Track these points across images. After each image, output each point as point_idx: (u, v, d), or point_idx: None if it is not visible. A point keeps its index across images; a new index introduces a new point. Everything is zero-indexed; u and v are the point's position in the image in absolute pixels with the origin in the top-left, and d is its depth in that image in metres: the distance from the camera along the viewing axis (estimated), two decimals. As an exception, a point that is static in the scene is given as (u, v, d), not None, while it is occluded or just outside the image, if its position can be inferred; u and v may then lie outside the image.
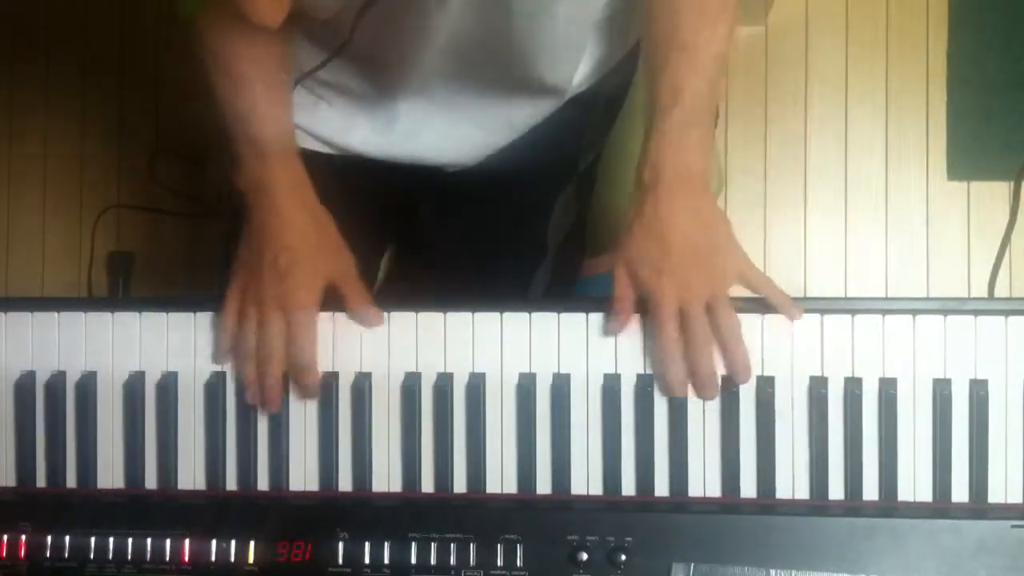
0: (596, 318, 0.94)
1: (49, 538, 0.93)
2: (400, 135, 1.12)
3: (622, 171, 1.37)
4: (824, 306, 0.93)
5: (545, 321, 0.94)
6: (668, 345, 0.90)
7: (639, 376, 0.93)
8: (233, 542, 0.91)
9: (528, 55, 1.01)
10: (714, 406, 0.92)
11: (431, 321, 0.95)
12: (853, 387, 0.91)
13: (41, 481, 0.98)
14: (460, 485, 0.94)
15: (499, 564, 0.89)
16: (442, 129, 1.12)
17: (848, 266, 1.91)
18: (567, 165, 1.19)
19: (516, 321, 0.94)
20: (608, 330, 0.93)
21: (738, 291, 0.93)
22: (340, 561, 0.90)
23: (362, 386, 0.95)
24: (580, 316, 0.94)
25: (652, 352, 0.92)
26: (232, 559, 0.91)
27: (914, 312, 0.91)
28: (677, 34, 0.95)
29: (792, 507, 0.91)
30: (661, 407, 0.93)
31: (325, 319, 0.96)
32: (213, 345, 0.97)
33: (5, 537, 0.93)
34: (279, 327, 0.94)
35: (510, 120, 1.12)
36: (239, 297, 0.96)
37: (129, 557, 0.92)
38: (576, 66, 1.06)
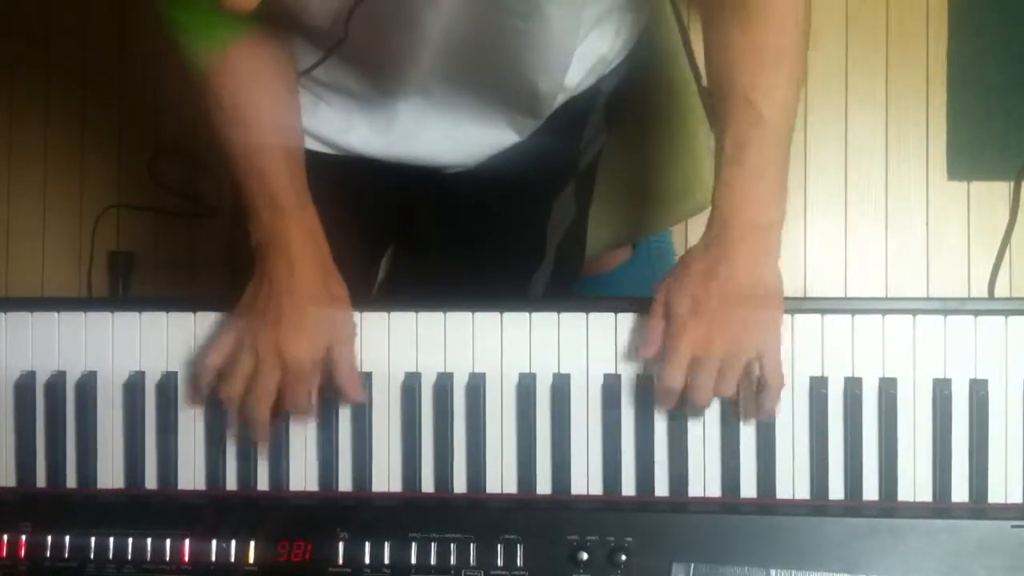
0: (596, 318, 0.94)
1: (49, 538, 0.93)
2: (399, 135, 1.12)
3: (622, 171, 1.37)
4: (824, 306, 0.93)
5: (545, 321, 0.94)
6: (667, 387, 0.90)
7: (639, 376, 0.93)
8: (233, 542, 0.91)
9: (521, 55, 1.01)
10: (714, 406, 0.92)
11: (431, 321, 0.95)
12: (853, 387, 0.91)
13: (41, 481, 0.98)
14: (460, 485, 0.94)
15: (499, 564, 0.89)
16: (441, 130, 1.12)
17: (848, 266, 1.91)
18: (567, 166, 1.19)
19: (516, 321, 0.95)
20: (639, 355, 0.93)
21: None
22: (340, 561, 0.90)
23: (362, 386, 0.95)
24: (580, 316, 0.94)
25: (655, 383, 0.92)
26: (232, 559, 0.91)
27: (914, 312, 0.92)
28: (735, 86, 0.93)
29: (792, 507, 0.91)
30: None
31: (325, 319, 0.96)
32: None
33: (5, 537, 0.93)
34: (273, 381, 0.93)
35: (509, 121, 1.12)
36: (236, 339, 0.95)
37: (129, 557, 0.92)
38: (567, 67, 1.06)
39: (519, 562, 0.89)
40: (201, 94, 0.98)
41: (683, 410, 0.91)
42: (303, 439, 0.96)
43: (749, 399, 0.90)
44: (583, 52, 1.06)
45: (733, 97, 0.93)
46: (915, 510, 0.90)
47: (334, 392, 0.95)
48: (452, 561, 0.89)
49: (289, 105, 1.02)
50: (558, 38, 1.01)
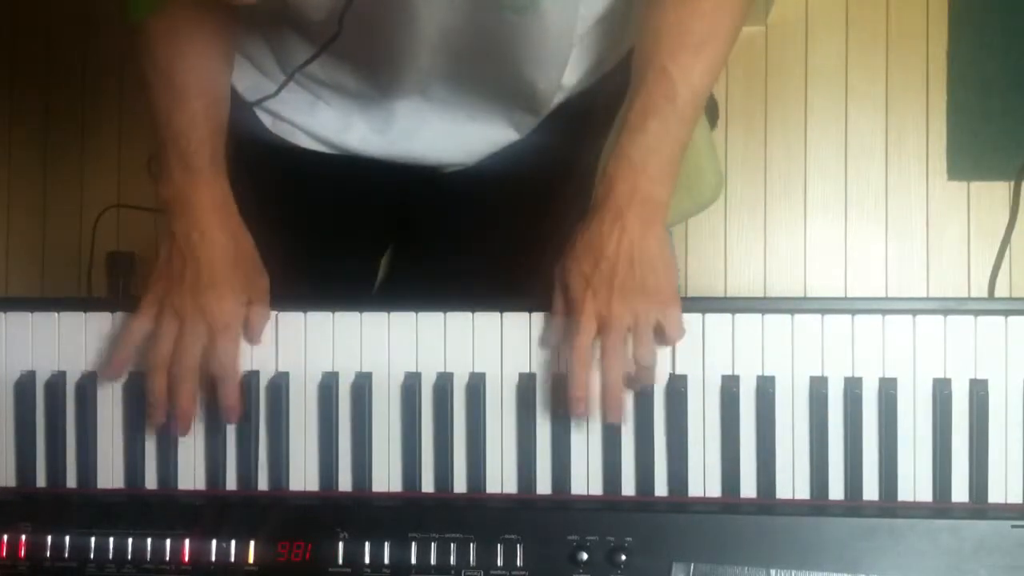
0: (596, 318, 0.93)
1: (49, 538, 0.93)
2: (398, 135, 1.12)
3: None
4: (824, 306, 0.93)
5: (545, 321, 0.94)
6: (578, 359, 0.90)
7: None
8: (233, 542, 0.91)
9: (517, 51, 1.01)
10: (714, 406, 0.92)
11: (431, 321, 0.95)
12: (853, 387, 0.91)
13: (41, 481, 0.98)
14: (460, 485, 0.94)
15: (499, 564, 0.89)
16: (440, 128, 1.12)
17: (848, 266, 1.91)
18: (566, 164, 1.19)
19: (516, 321, 0.94)
20: (543, 341, 0.93)
21: (738, 291, 0.93)
22: (340, 561, 0.90)
23: (362, 386, 0.95)
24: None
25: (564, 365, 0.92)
26: (232, 559, 0.91)
27: (914, 312, 0.91)
28: (656, 57, 0.94)
29: (792, 507, 0.91)
30: (661, 407, 0.93)
31: (324, 319, 0.96)
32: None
33: (5, 537, 0.93)
34: (200, 340, 0.94)
35: (508, 119, 1.12)
36: (156, 306, 0.95)
37: (129, 557, 0.92)
38: (564, 65, 1.06)
39: (519, 562, 0.89)
40: (137, 48, 0.99)
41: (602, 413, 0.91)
42: (303, 439, 0.96)
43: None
44: (581, 51, 1.06)
45: (651, 67, 0.94)
46: (915, 510, 0.89)
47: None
48: (452, 561, 0.89)
49: (218, 72, 1.01)
50: (554, 35, 1.01)
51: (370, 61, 1.04)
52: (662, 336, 0.91)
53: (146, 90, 0.99)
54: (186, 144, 0.97)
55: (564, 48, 1.03)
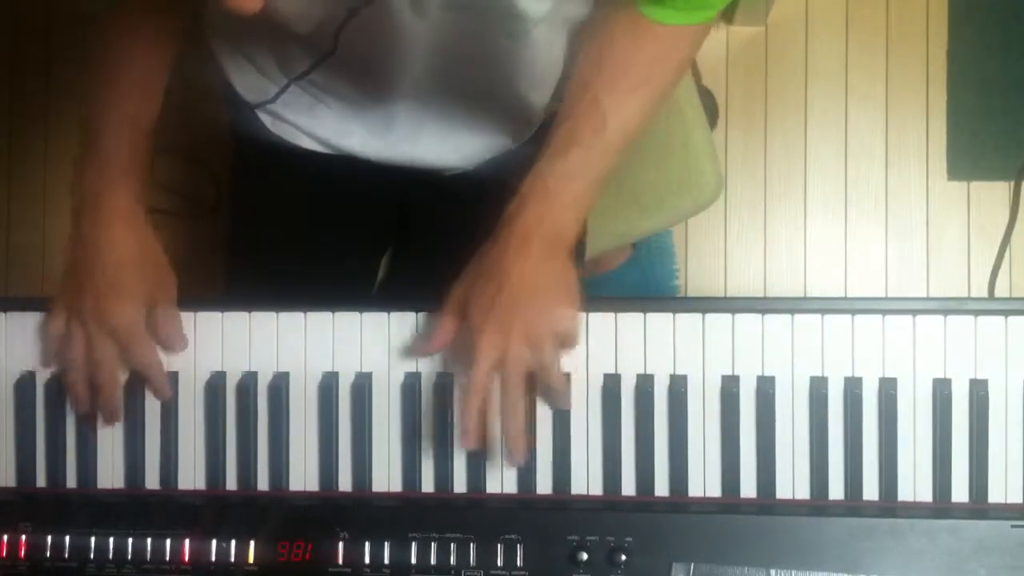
0: (596, 318, 0.94)
1: (49, 538, 0.93)
2: (397, 139, 1.12)
3: (620, 172, 1.37)
4: (824, 306, 0.93)
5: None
6: (474, 391, 0.88)
7: (639, 376, 0.93)
8: (233, 542, 0.91)
9: (511, 72, 1.01)
10: (714, 406, 0.92)
11: (431, 321, 0.95)
12: (853, 387, 0.91)
13: (41, 481, 0.98)
14: (460, 485, 0.94)
15: (499, 564, 0.89)
16: (438, 134, 1.12)
17: (848, 266, 1.91)
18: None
19: (516, 321, 0.94)
20: (414, 350, 0.93)
21: (738, 291, 0.93)
22: (340, 561, 0.90)
23: (362, 386, 0.95)
24: (580, 316, 0.94)
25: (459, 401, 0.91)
26: (232, 559, 0.91)
27: (914, 312, 0.92)
28: (591, 87, 0.94)
29: (792, 507, 0.91)
30: (661, 407, 0.93)
31: (324, 319, 0.96)
32: (213, 345, 0.97)
33: (5, 537, 0.93)
34: (107, 343, 0.94)
35: (503, 129, 1.12)
36: (64, 310, 0.96)
37: (129, 557, 0.92)
38: (556, 84, 1.06)
39: (519, 562, 0.89)
40: (88, 41, 0.99)
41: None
42: (303, 439, 0.96)
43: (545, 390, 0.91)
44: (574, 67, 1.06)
45: (585, 97, 0.93)
46: (915, 510, 0.90)
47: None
48: (452, 561, 0.89)
49: (152, 80, 1.01)
50: (546, 58, 1.01)
51: (367, 74, 1.04)
52: (565, 347, 0.90)
53: (86, 83, 1.00)
54: (105, 145, 0.97)
55: (556, 69, 1.04)
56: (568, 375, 0.92)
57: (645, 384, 0.93)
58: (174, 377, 0.97)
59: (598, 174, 0.94)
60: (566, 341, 0.91)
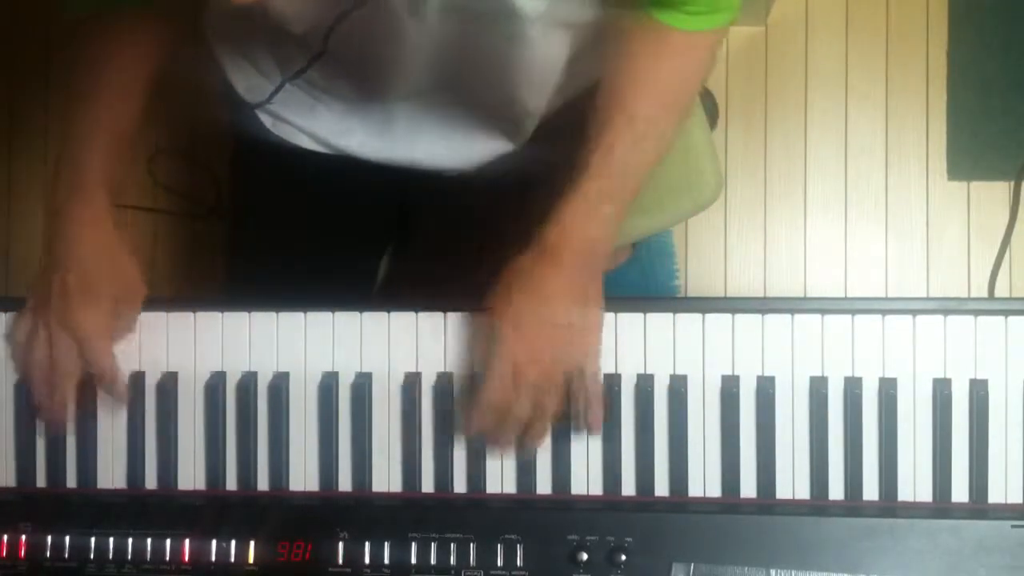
0: (596, 318, 0.93)
1: (49, 538, 0.93)
2: (397, 139, 1.12)
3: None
4: (824, 306, 0.93)
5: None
6: (487, 400, 0.89)
7: (639, 376, 0.93)
8: (233, 542, 0.91)
9: (506, 75, 1.01)
10: (714, 406, 0.92)
11: (431, 321, 0.95)
12: (853, 387, 0.91)
13: (41, 481, 0.98)
14: (460, 485, 0.94)
15: (499, 564, 0.89)
16: (438, 135, 1.12)
17: (848, 266, 1.91)
18: (565, 167, 1.19)
19: (516, 321, 0.94)
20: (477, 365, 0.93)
21: (738, 291, 0.93)
22: (340, 561, 0.90)
23: (362, 386, 0.95)
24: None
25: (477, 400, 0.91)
26: (232, 559, 0.91)
27: (914, 312, 0.92)
28: (627, 102, 0.94)
29: (792, 507, 0.91)
30: (661, 407, 0.93)
31: (324, 319, 0.96)
32: (213, 345, 0.97)
33: (5, 537, 0.93)
34: (68, 346, 0.94)
35: (501, 131, 1.12)
36: (31, 316, 0.96)
37: (129, 557, 0.92)
38: (552, 89, 1.06)
39: (519, 562, 0.89)
40: (69, 49, 0.99)
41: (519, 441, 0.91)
42: (303, 439, 0.96)
43: (577, 412, 0.90)
44: (571, 72, 1.06)
45: (621, 114, 0.94)
46: (915, 510, 0.90)
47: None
48: (452, 561, 0.89)
49: (131, 86, 1.01)
50: (542, 62, 1.01)
51: (363, 75, 1.04)
52: (583, 386, 0.90)
53: (66, 91, 1.00)
54: (79, 152, 0.97)
55: (552, 73, 1.04)
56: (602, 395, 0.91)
57: (645, 384, 0.93)
58: (173, 377, 0.97)
59: (635, 192, 0.95)
60: (585, 365, 0.90)
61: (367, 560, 0.90)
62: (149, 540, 0.92)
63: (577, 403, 0.90)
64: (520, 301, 0.90)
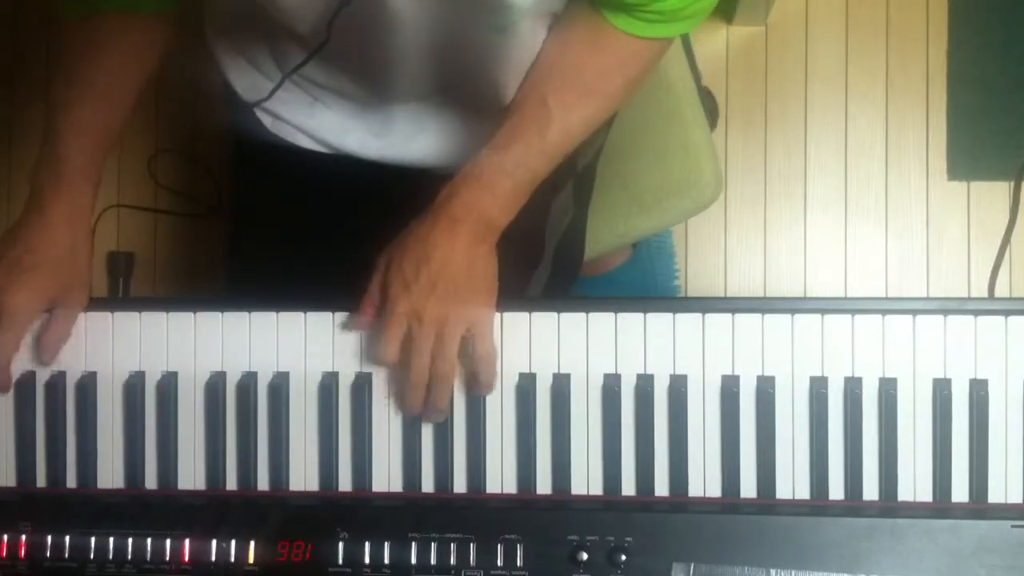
0: (596, 318, 0.94)
1: (49, 538, 0.93)
2: (396, 139, 1.12)
3: (621, 171, 1.37)
4: (824, 306, 0.93)
5: (545, 321, 0.94)
6: (384, 358, 0.91)
7: (639, 376, 0.93)
8: (233, 542, 0.91)
9: (501, 68, 1.01)
10: (714, 406, 0.92)
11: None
12: (853, 387, 0.91)
13: (41, 481, 0.98)
14: (460, 485, 0.94)
15: (499, 564, 0.89)
16: (437, 134, 1.12)
17: (848, 266, 1.91)
18: (565, 166, 1.19)
19: (516, 321, 0.94)
20: (351, 325, 0.94)
21: (738, 291, 0.93)
22: (340, 561, 0.90)
23: (362, 386, 0.95)
24: (580, 316, 0.94)
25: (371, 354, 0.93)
26: (232, 559, 0.91)
27: (914, 312, 0.92)
28: (541, 88, 0.95)
29: (792, 507, 0.91)
30: (661, 407, 0.93)
31: (324, 320, 0.96)
32: (213, 345, 0.97)
33: (5, 537, 0.93)
34: None
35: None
36: None
37: (129, 557, 0.92)
38: None
39: (519, 562, 0.89)
40: (63, 38, 1.01)
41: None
42: (303, 439, 0.96)
43: (470, 376, 0.93)
44: None
45: (534, 96, 0.95)
46: (915, 510, 0.90)
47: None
48: (452, 561, 0.89)
49: (118, 89, 1.02)
50: (532, 54, 1.01)
51: (363, 67, 1.04)
52: (473, 348, 0.92)
53: (56, 82, 1.01)
54: (62, 148, 0.98)
55: None
56: (493, 366, 0.93)
57: (645, 384, 0.93)
58: (174, 377, 0.97)
59: (535, 174, 0.95)
60: (475, 334, 0.91)
61: (367, 560, 0.90)
62: (149, 540, 0.92)
63: (470, 364, 0.92)
64: (407, 262, 0.91)
